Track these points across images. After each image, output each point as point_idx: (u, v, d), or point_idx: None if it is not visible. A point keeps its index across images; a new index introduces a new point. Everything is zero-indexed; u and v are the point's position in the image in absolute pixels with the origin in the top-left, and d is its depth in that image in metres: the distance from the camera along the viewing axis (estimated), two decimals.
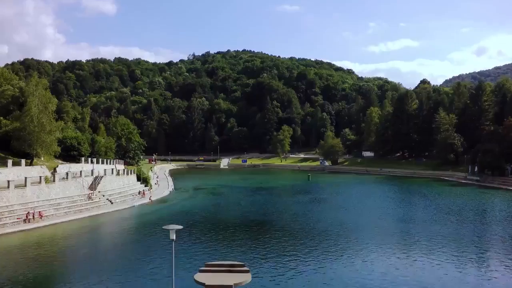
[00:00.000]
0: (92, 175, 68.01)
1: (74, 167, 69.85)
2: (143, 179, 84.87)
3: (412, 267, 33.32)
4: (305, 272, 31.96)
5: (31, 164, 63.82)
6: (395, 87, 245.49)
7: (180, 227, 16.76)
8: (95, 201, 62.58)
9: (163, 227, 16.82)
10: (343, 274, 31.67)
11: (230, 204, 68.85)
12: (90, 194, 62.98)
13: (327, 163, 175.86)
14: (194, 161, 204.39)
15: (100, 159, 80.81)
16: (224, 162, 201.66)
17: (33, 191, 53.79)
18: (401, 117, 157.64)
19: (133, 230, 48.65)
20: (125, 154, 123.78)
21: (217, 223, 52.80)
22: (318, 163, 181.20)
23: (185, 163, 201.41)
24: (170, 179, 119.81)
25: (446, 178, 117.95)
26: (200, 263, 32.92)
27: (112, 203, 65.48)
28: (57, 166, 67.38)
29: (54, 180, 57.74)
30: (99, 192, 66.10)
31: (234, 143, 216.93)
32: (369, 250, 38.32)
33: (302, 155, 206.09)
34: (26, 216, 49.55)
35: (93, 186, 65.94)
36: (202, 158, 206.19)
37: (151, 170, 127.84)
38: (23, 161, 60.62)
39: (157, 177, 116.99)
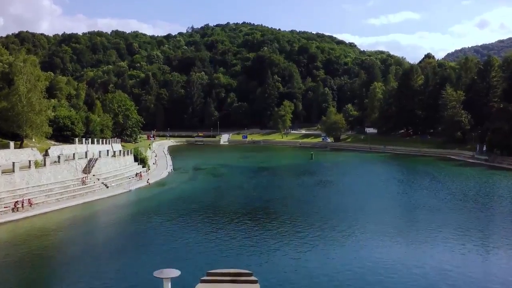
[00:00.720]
0: (86, 157, 64.50)
1: (67, 149, 66.31)
2: (140, 160, 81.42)
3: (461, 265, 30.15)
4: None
5: (20, 146, 60.26)
6: (399, 61, 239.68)
7: (177, 273, 13.06)
8: (89, 186, 59.25)
9: (154, 275, 13.13)
10: (365, 272, 28.57)
11: (231, 188, 65.60)
12: (84, 178, 59.61)
13: (329, 140, 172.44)
14: (193, 137, 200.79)
15: (95, 139, 77.18)
16: (224, 138, 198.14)
17: (22, 176, 50.37)
18: (405, 93, 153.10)
19: (130, 221, 45.32)
20: (122, 132, 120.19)
21: (218, 211, 49.53)
22: (320, 139, 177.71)
23: (184, 139, 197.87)
24: (169, 157, 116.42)
25: (453, 157, 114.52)
26: (202, 261, 31.10)
27: (107, 187, 62.19)
28: (49, 148, 63.81)
29: (44, 164, 54.24)
30: (93, 175, 62.70)
31: (234, 118, 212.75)
32: (399, 249, 34.93)
33: (303, 131, 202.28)
34: (15, 205, 46.27)
35: (87, 169, 62.50)
36: (202, 134, 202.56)
37: (149, 148, 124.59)
38: (11, 143, 57.01)
39: (156, 156, 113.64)
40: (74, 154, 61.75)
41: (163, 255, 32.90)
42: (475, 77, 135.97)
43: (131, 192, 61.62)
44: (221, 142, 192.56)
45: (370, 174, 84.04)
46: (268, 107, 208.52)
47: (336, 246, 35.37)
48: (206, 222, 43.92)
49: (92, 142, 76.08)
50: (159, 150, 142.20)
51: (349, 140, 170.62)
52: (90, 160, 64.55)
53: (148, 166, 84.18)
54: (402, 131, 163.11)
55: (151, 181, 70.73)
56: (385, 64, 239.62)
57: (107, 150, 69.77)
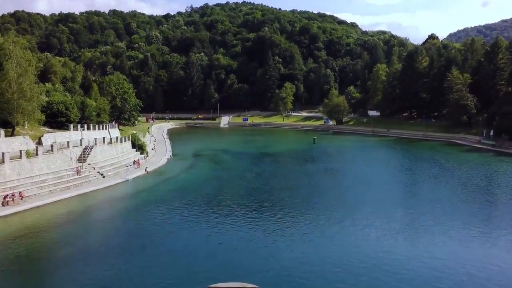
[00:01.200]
0: (81, 145, 61.78)
1: (60, 137, 63.45)
2: (138, 146, 78.75)
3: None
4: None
5: (12, 134, 57.36)
6: (402, 42, 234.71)
7: None
8: (84, 176, 56.64)
9: None
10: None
11: (234, 178, 62.99)
12: (79, 168, 56.99)
13: (331, 123, 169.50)
14: (193, 119, 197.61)
15: (91, 125, 74.27)
16: (224, 121, 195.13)
17: (13, 167, 47.79)
18: (410, 75, 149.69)
19: (127, 217, 42.68)
20: (120, 115, 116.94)
21: (221, 205, 46.88)
22: (322, 122, 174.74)
23: (184, 121, 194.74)
24: (168, 142, 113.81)
25: (459, 142, 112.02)
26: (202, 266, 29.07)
27: (103, 176, 59.63)
28: (42, 136, 60.95)
29: (37, 154, 51.57)
30: (89, 164, 60.10)
31: (235, 100, 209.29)
32: (423, 249, 32.67)
33: (305, 114, 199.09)
34: (4, 198, 43.76)
35: (82, 158, 59.86)
36: (202, 116, 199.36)
37: (148, 132, 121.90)
38: (2, 131, 54.07)
39: (155, 141, 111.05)
40: (68, 142, 58.98)
41: (163, 258, 30.56)
42: (482, 59, 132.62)
43: (129, 182, 59.09)
44: (221, 125, 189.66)
45: (375, 161, 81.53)
46: (269, 89, 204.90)
47: (341, 243, 32.99)
48: (208, 219, 41.34)
49: (88, 128, 73.17)
50: (158, 133, 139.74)
51: (351, 123, 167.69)
52: (85, 148, 61.87)
53: (147, 153, 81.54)
54: (406, 114, 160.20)
55: (149, 169, 68.18)
56: (387, 45, 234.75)
57: (103, 138, 67.01)
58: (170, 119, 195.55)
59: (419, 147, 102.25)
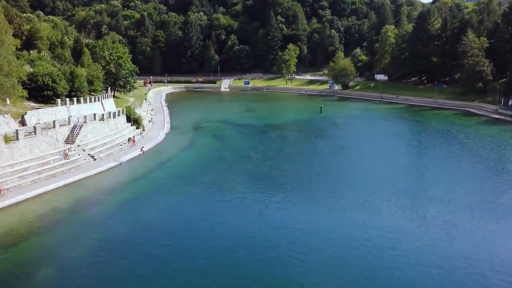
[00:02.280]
0: (69, 123, 55.83)
1: (46, 114, 57.43)
2: (134, 120, 72.78)
3: None
4: None
5: None
6: (411, 1, 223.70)
7: None
8: (73, 160, 51.04)
9: None
10: None
11: (238, 159, 57.32)
12: (67, 151, 51.30)
13: (336, 87, 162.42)
14: (193, 82, 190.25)
15: (82, 98, 68.00)
16: (225, 84, 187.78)
17: None
18: (421, 38, 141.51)
19: (125, 217, 36.79)
20: (115, 82, 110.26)
21: (226, 199, 41.62)
22: (327, 86, 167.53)
23: (183, 85, 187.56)
24: (166, 110, 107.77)
25: (473, 111, 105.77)
26: None
27: (95, 159, 54.05)
28: (25, 114, 54.98)
29: (17, 138, 45.81)
30: (78, 146, 54.39)
31: (235, 62, 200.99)
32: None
33: (308, 77, 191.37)
34: None
35: (70, 139, 54.05)
36: (202, 80, 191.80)
37: (145, 99, 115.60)
38: None
39: (152, 110, 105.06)
40: (54, 121, 52.99)
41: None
42: (499, 21, 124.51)
43: (123, 165, 53.58)
44: (222, 89, 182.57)
45: (388, 135, 75.96)
46: (271, 50, 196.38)
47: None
48: (212, 222, 36.13)
49: (78, 102, 66.98)
50: (156, 99, 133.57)
51: (357, 87, 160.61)
52: (74, 127, 55.96)
53: (143, 127, 75.67)
54: (415, 79, 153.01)
55: (146, 148, 62.62)
56: (395, 3, 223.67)
57: (94, 115, 60.87)
58: (168, 82, 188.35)
59: (432, 118, 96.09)
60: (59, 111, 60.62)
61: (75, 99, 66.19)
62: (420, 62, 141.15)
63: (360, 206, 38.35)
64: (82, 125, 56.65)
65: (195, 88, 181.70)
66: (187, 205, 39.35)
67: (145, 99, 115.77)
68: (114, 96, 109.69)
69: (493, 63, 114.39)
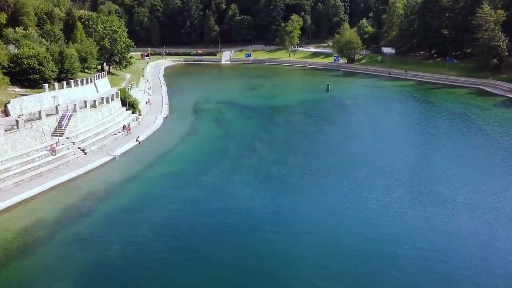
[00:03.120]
0: (57, 113, 50.87)
1: (32, 102, 52.47)
2: (129, 104, 67.71)
3: None
4: None
5: None
6: None
7: None
8: (61, 155, 46.29)
9: None
10: None
11: (242, 151, 52.58)
12: (54, 145, 46.51)
13: (342, 61, 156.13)
14: (192, 54, 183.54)
15: (73, 81, 62.75)
16: (226, 57, 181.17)
17: None
18: (432, 9, 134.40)
19: (114, 230, 32.82)
20: (110, 58, 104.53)
21: (231, 202, 37.24)
22: (331, 59, 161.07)
23: (182, 57, 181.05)
24: (164, 89, 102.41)
25: (488, 90, 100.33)
26: None
27: (85, 153, 49.26)
28: (8, 102, 50.03)
29: None
30: (67, 138, 49.51)
31: (236, 33, 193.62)
32: None
33: (312, 49, 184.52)
34: None
35: (58, 131, 49.18)
36: (201, 52, 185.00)
37: (142, 76, 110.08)
38: None
39: (150, 88, 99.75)
40: (40, 112, 48.02)
41: None
42: None
43: (116, 160, 48.85)
44: (223, 62, 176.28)
45: (402, 121, 71.23)
46: (274, 21, 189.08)
47: None
48: (216, 242, 31.80)
49: (69, 85, 61.82)
50: (154, 75, 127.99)
51: (364, 61, 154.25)
52: (62, 117, 50.99)
53: (139, 111, 70.65)
54: (423, 52, 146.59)
55: (142, 137, 57.79)
56: None
57: (85, 102, 55.69)
58: (167, 54, 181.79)
59: (446, 98, 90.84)
60: (47, 98, 55.61)
61: (64, 82, 61.04)
62: (430, 35, 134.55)
63: (392, 217, 33.94)
64: (71, 115, 51.64)
65: (195, 61, 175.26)
66: (187, 217, 34.82)
67: (142, 76, 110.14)
68: (109, 73, 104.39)
69: (509, 38, 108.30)
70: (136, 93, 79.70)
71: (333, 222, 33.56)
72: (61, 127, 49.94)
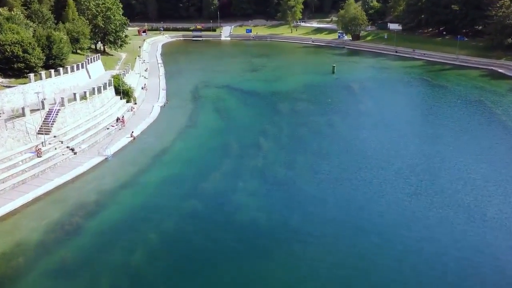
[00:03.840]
0: (43, 108, 46.52)
1: (16, 95, 47.94)
2: (123, 92, 63.16)
3: None
4: None
5: None
6: None
7: None
8: (48, 157, 42.16)
9: None
10: None
11: (245, 148, 48.37)
12: (40, 146, 42.42)
13: (346, 38, 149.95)
14: (191, 30, 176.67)
15: (62, 69, 57.99)
16: (226, 33, 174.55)
17: None
18: None
19: (103, 257, 28.95)
20: (104, 38, 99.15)
21: (234, 219, 33.47)
22: (335, 35, 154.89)
23: (180, 33, 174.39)
24: (162, 70, 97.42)
25: (501, 71, 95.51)
26: None
27: (75, 152, 45.16)
28: None
29: None
30: (54, 137, 45.34)
31: (236, 8, 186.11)
32: None
33: (315, 24, 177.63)
34: None
35: (44, 128, 44.99)
36: (200, 27, 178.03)
37: (139, 56, 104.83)
38: None
39: (146, 70, 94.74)
40: (23, 108, 43.66)
41: None
42: None
43: (109, 161, 44.77)
44: (222, 38, 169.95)
45: (414, 110, 66.93)
46: None
47: None
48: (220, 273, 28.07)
49: (57, 73, 56.99)
50: (151, 54, 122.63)
51: (369, 38, 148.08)
52: (49, 112, 46.70)
53: (134, 99, 66.19)
54: (432, 29, 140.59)
55: (137, 131, 53.71)
56: None
57: (74, 94, 51.07)
58: (165, 30, 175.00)
59: (458, 81, 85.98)
60: (32, 89, 51.03)
61: (52, 71, 56.28)
62: (439, 11, 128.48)
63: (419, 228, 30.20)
64: (59, 109, 47.28)
65: (194, 37, 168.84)
66: (186, 239, 31.01)
67: (139, 56, 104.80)
68: (104, 52, 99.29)
69: None
70: (131, 78, 75.05)
71: (353, 242, 29.82)
72: (48, 124, 45.72)
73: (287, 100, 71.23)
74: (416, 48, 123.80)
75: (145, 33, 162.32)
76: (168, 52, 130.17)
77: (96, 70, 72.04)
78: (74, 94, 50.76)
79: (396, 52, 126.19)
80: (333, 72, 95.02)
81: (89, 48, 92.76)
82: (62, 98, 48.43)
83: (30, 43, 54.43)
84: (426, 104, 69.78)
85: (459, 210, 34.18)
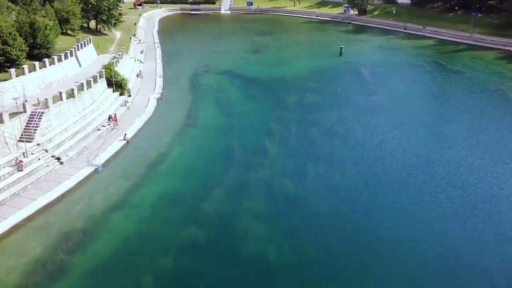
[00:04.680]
0: (24, 111, 41.67)
1: None
2: (116, 84, 58.00)
3: None
4: None
5: None
6: None
7: None
8: (30, 171, 37.57)
9: None
10: None
11: (249, 155, 43.73)
12: (21, 158, 37.78)
13: (352, 12, 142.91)
14: (189, 2, 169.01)
15: (47, 60, 52.68)
16: (225, 5, 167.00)
17: None
18: None
19: None
20: (96, 16, 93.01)
21: (241, 253, 29.30)
22: (340, 9, 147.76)
23: (178, 6, 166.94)
24: (159, 52, 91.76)
25: None
26: None
27: (61, 162, 40.55)
28: None
29: None
30: (38, 145, 40.60)
31: None
32: None
33: None
34: None
35: (26, 135, 40.23)
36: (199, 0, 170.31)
37: (134, 35, 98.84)
38: None
39: (142, 52, 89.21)
40: (1, 114, 38.74)
41: None
42: None
43: (99, 172, 40.17)
44: (222, 11, 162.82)
45: (431, 103, 61.80)
46: None
47: None
48: None
49: (43, 64, 51.76)
50: (148, 31, 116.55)
51: (376, 13, 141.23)
52: (31, 116, 41.82)
53: (129, 92, 61.04)
54: (442, 4, 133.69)
55: (131, 130, 49.14)
56: None
57: (60, 93, 45.95)
58: (162, 3, 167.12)
59: (474, 65, 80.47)
60: (13, 87, 46.05)
61: (37, 63, 50.97)
62: None
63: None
64: (42, 113, 42.37)
65: (192, 10, 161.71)
66: (186, 283, 26.86)
67: (134, 35, 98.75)
68: (97, 32, 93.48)
69: None
70: (125, 64, 69.72)
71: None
72: (30, 130, 40.93)
73: (294, 90, 65.99)
74: (427, 24, 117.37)
75: (141, 6, 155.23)
76: (165, 29, 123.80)
77: (87, 56, 66.73)
78: (60, 93, 45.62)
79: (405, 29, 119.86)
80: (341, 54, 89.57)
81: (81, 27, 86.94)
82: (46, 99, 43.34)
83: (10, 33, 48.91)
84: (444, 96, 64.53)
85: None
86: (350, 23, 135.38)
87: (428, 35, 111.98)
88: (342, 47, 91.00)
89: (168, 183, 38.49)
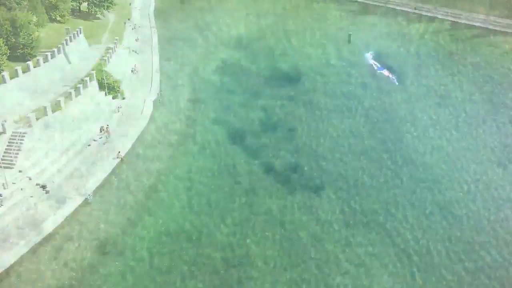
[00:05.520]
0: (3, 131, 36.88)
1: None
2: (108, 86, 52.80)
3: None
4: None
5: None
6: None
7: None
8: (11, 205, 33.09)
9: None
10: None
11: (256, 182, 39.09)
12: (0, 190, 33.29)
13: None
14: None
15: (30, 63, 47.24)
16: None
17: None
18: None
19: None
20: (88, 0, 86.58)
21: None
22: None
23: None
24: (155, 39, 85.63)
25: None
26: None
27: (47, 191, 36.03)
28: None
29: None
30: (20, 171, 35.99)
31: None
32: None
33: None
34: None
35: (6, 161, 35.58)
36: None
37: (129, 20, 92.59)
38: None
39: (137, 40, 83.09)
40: None
41: None
42: None
43: (90, 204, 35.75)
44: None
45: (456, 112, 56.08)
46: None
47: None
48: None
49: (26, 67, 46.46)
50: (143, 13, 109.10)
51: None
52: (11, 140, 37.00)
53: (122, 94, 55.78)
54: None
55: (126, 143, 44.51)
56: None
57: (44, 107, 40.78)
58: None
59: (493, 56, 75.38)
60: None
61: (19, 68, 45.68)
62: None
63: None
64: (25, 133, 37.58)
65: None
66: None
67: (129, 19, 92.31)
68: (89, 13, 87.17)
69: None
70: (119, 59, 64.14)
71: None
72: (11, 154, 36.26)
73: (302, 93, 59.69)
74: (438, 5, 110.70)
75: None
76: (163, 9, 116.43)
77: (77, 50, 60.79)
78: (45, 107, 40.63)
79: (415, 9, 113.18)
80: (349, 42, 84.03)
81: (72, 10, 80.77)
82: (28, 117, 38.46)
83: None
84: (467, 103, 58.36)
85: None
86: (356, 0, 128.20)
87: (441, 17, 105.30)
88: (350, 34, 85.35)
89: (166, 222, 34.14)
